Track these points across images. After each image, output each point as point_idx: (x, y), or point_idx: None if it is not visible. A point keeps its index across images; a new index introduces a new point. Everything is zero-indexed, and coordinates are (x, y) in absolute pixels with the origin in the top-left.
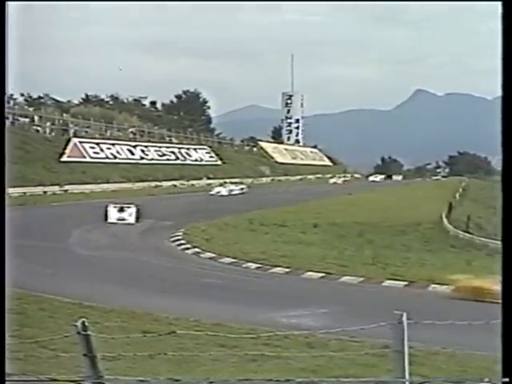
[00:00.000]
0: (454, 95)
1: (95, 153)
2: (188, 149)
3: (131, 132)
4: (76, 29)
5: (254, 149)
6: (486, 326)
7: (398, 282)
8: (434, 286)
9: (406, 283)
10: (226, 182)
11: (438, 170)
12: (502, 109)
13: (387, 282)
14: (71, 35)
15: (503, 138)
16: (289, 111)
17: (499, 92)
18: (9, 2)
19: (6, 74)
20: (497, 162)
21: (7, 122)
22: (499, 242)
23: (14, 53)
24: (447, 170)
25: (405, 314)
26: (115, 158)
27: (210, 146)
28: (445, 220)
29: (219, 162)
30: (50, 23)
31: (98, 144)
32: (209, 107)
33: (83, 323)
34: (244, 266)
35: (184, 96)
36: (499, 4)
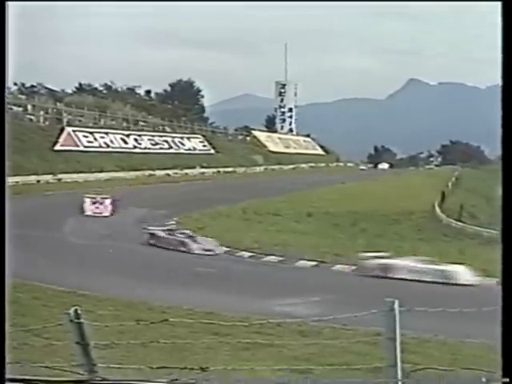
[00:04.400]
0: (447, 84)
1: (89, 142)
2: (181, 138)
3: (124, 120)
4: (74, 20)
5: (248, 138)
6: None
7: None
8: None
9: None
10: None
11: (431, 159)
12: (501, 109)
13: None
14: (68, 26)
15: (503, 138)
16: (282, 100)
17: (492, 81)
18: (9, 2)
19: (5, 73)
20: (490, 151)
21: None
22: (492, 231)
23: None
24: (440, 159)
25: (396, 302)
26: (108, 146)
27: (204, 135)
28: (438, 209)
29: (212, 151)
30: (49, 15)
31: (91, 133)
32: (202, 96)
33: (76, 311)
34: (237, 254)
35: (178, 85)
36: (499, 4)
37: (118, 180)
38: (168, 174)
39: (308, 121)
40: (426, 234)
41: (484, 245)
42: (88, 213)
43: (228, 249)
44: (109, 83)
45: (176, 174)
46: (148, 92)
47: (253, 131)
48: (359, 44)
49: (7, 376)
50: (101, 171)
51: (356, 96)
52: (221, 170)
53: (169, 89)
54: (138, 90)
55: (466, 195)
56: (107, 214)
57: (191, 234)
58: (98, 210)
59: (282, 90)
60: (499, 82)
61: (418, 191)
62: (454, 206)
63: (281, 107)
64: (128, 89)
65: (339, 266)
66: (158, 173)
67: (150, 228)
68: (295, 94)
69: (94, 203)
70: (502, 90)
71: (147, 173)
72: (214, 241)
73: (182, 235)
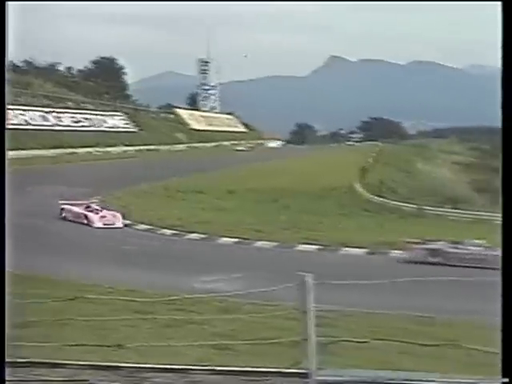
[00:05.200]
0: (368, 61)
1: (7, 119)
2: (103, 115)
3: (45, 98)
4: None
5: (171, 116)
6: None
7: (311, 246)
8: (346, 249)
9: (319, 247)
10: None
11: (353, 136)
12: (502, 109)
13: (301, 246)
14: None
15: (503, 138)
16: (205, 78)
17: (413, 57)
18: (9, 2)
19: (5, 72)
20: (410, 126)
21: None
22: (412, 205)
23: None
24: (361, 136)
25: (310, 276)
26: (28, 124)
27: (127, 113)
28: (359, 185)
29: (135, 129)
30: None
31: (10, 110)
32: (125, 73)
33: None
34: (160, 232)
35: (100, 62)
36: (499, 4)
37: (38, 158)
38: (90, 152)
39: (231, 98)
40: (348, 209)
41: (404, 218)
42: (98, 225)
43: (150, 227)
44: (29, 59)
45: (98, 152)
46: (69, 69)
47: (176, 109)
48: (280, 21)
49: (7, 359)
50: (21, 149)
51: (278, 73)
52: (144, 148)
53: (91, 66)
54: (59, 67)
55: (386, 170)
56: (119, 225)
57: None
58: (107, 221)
59: (205, 68)
60: (420, 58)
61: (340, 167)
62: (374, 182)
63: (203, 85)
64: (49, 65)
65: (261, 242)
66: (80, 151)
67: (431, 241)
68: (218, 72)
69: (91, 211)
70: (502, 89)
71: (68, 151)
72: None
73: (479, 248)
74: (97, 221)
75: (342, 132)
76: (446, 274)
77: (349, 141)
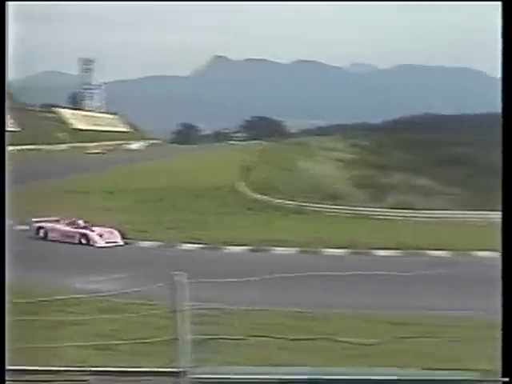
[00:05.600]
0: (252, 61)
1: None
2: None
3: None
4: None
5: (53, 115)
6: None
7: (195, 245)
8: (229, 247)
9: (203, 246)
10: None
11: (236, 135)
12: (502, 109)
13: (185, 246)
14: None
15: (503, 137)
16: (88, 77)
17: (296, 57)
18: (9, 2)
19: (5, 73)
20: (292, 124)
21: None
22: (294, 203)
23: None
24: (245, 135)
25: (182, 275)
26: None
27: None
28: (242, 183)
29: (15, 129)
30: None
31: None
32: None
33: None
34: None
35: None
36: (499, 4)
37: None
38: None
39: (115, 98)
40: (232, 208)
41: (286, 216)
42: (101, 244)
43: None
44: None
45: None
46: None
47: (58, 108)
48: (162, 21)
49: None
50: None
51: (161, 73)
52: (24, 147)
53: None
54: None
55: (269, 169)
56: (120, 242)
57: None
58: (108, 239)
59: (88, 67)
60: (303, 57)
61: (224, 167)
62: (258, 180)
63: (86, 84)
64: None
65: (145, 242)
66: None
67: None
68: (101, 71)
69: (84, 228)
70: (502, 89)
71: None
72: None
73: None
74: (99, 240)
75: (226, 131)
76: None
77: (233, 140)
